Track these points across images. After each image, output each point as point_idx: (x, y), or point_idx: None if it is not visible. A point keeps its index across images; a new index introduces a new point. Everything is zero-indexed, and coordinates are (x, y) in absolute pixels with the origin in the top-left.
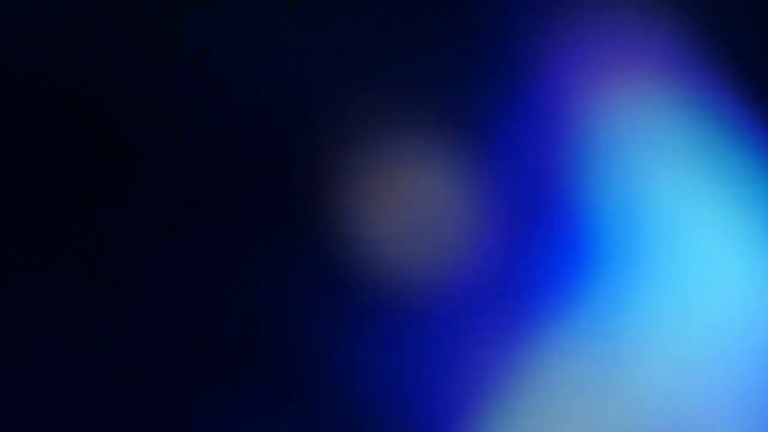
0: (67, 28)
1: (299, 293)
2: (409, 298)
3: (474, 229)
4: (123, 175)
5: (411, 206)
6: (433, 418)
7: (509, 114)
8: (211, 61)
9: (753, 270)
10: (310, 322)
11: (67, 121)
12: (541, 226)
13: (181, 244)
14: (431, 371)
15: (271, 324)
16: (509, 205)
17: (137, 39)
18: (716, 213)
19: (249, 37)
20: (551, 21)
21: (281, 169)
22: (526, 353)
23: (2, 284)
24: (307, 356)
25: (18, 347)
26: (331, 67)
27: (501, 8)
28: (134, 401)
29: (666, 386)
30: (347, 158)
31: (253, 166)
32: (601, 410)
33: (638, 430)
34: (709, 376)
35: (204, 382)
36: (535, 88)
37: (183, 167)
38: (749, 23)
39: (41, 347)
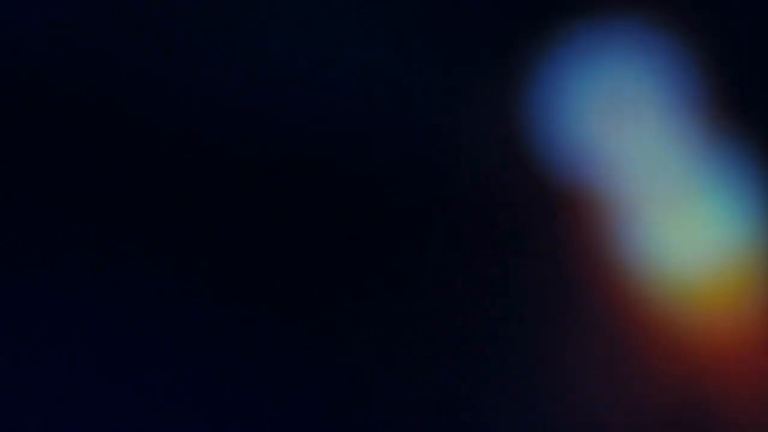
0: (67, 28)
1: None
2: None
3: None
4: (124, 175)
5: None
6: None
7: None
8: (211, 62)
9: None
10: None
11: (68, 121)
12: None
13: (179, 245)
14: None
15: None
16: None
17: (137, 39)
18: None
19: (249, 37)
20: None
21: (281, 168)
22: None
23: (2, 284)
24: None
25: (18, 347)
26: (336, 65)
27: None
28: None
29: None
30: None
31: (250, 166)
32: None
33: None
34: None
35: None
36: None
37: (183, 166)
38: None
39: (41, 347)
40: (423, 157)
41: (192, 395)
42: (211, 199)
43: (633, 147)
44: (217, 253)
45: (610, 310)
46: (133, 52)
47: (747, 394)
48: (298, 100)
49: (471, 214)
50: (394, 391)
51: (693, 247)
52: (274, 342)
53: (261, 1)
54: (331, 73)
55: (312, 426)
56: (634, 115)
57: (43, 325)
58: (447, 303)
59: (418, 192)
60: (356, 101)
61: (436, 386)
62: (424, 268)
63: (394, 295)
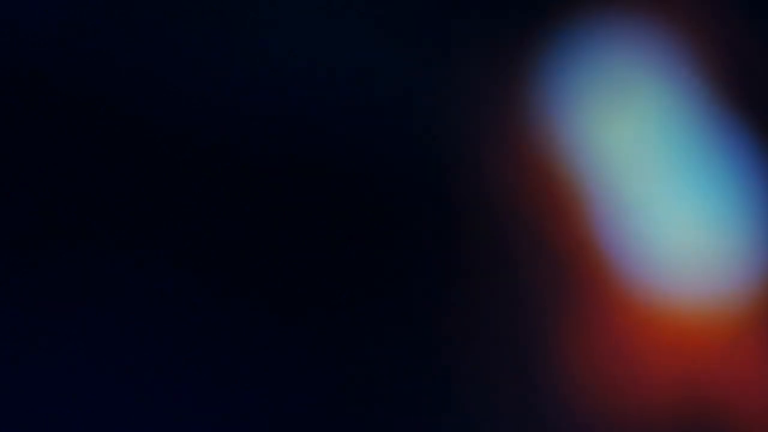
0: (67, 28)
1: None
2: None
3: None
4: (124, 175)
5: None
6: None
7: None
8: (211, 62)
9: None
10: None
11: (68, 121)
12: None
13: (179, 245)
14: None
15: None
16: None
17: (137, 39)
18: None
19: (249, 37)
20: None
21: (280, 168)
22: None
23: (2, 284)
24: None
25: (18, 347)
26: (337, 65)
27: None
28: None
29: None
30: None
31: (250, 166)
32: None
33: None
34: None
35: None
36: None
37: (183, 166)
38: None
39: (41, 347)
40: (423, 157)
41: (192, 395)
42: (211, 199)
43: (633, 143)
44: (217, 253)
45: (611, 308)
46: (133, 52)
47: (747, 393)
48: (298, 100)
49: (471, 214)
50: (394, 390)
51: (693, 242)
52: (274, 342)
53: (261, 1)
54: (332, 73)
55: (312, 426)
56: (635, 110)
57: (44, 325)
58: (447, 302)
59: (418, 192)
60: (356, 101)
61: (436, 386)
62: (424, 268)
63: (394, 295)
